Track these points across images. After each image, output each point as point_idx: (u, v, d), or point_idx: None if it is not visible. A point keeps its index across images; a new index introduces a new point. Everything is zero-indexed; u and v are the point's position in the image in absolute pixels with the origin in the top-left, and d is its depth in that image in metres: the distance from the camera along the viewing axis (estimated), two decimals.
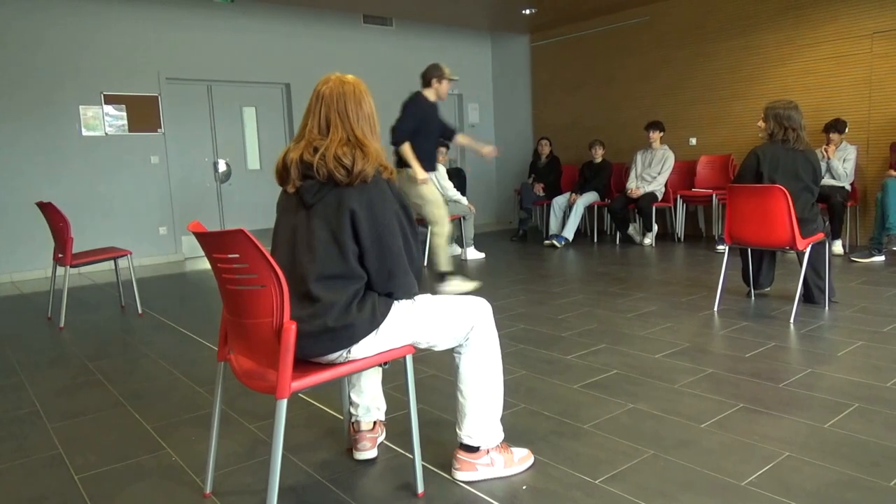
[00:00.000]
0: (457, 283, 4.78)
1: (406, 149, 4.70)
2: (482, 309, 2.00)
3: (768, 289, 4.38)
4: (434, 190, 4.83)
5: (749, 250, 4.23)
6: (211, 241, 1.75)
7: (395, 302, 1.88)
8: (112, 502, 2.01)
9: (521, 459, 2.11)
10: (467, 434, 2.03)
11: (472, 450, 2.04)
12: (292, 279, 1.80)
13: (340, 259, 1.79)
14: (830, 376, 2.83)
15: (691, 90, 7.49)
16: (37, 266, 6.40)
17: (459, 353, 2.01)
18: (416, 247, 1.91)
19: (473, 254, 6.63)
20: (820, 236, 3.85)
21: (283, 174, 1.86)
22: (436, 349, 1.98)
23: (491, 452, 2.05)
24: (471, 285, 4.87)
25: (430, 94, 4.86)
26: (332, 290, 1.78)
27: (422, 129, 4.77)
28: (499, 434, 2.07)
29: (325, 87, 1.87)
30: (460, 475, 2.04)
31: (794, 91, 6.62)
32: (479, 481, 2.04)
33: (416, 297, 1.95)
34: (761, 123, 3.96)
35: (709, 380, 2.85)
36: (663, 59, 7.73)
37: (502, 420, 2.09)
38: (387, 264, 1.83)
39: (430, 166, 4.89)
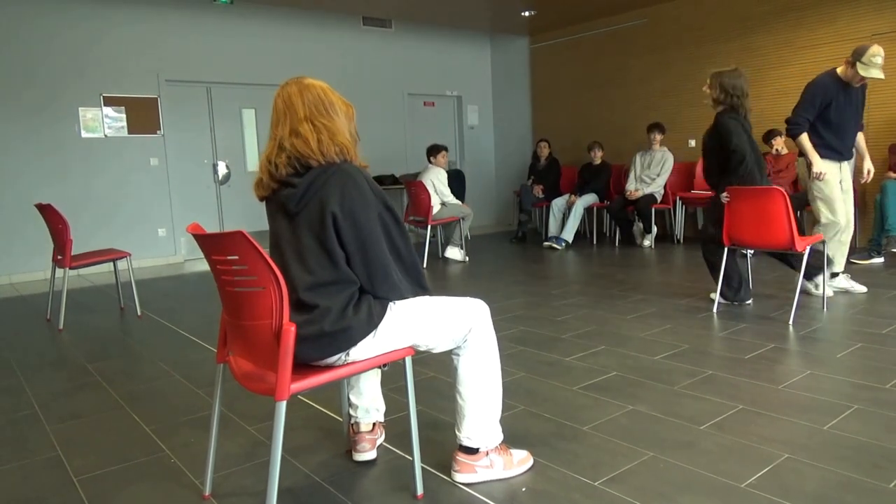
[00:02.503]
0: (842, 281, 4.30)
1: (802, 140, 4.10)
2: (480, 310, 2.00)
3: (748, 302, 4.21)
4: (832, 187, 4.17)
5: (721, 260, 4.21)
6: (210, 243, 1.75)
7: (391, 304, 1.88)
8: None
9: (520, 461, 2.11)
10: (466, 436, 2.03)
11: (472, 451, 2.04)
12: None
13: (331, 266, 1.79)
14: (830, 378, 2.83)
15: (690, 92, 7.49)
16: (36, 268, 6.40)
17: (458, 355, 2.01)
18: (406, 245, 1.91)
19: (454, 253, 6.65)
20: (818, 237, 3.85)
21: (258, 181, 1.88)
22: (434, 351, 1.98)
23: (490, 454, 2.05)
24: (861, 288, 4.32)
25: (841, 70, 4.16)
26: (325, 297, 1.78)
27: (827, 109, 4.10)
28: (498, 435, 2.07)
29: (276, 94, 1.89)
30: (460, 477, 2.04)
31: (792, 93, 6.60)
32: (478, 483, 2.04)
33: (411, 298, 1.94)
34: (707, 89, 3.95)
35: (708, 381, 2.85)
36: (662, 60, 7.73)
37: (502, 422, 2.09)
38: (372, 269, 1.82)
39: (839, 155, 4.22)
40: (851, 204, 4.40)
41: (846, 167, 4.34)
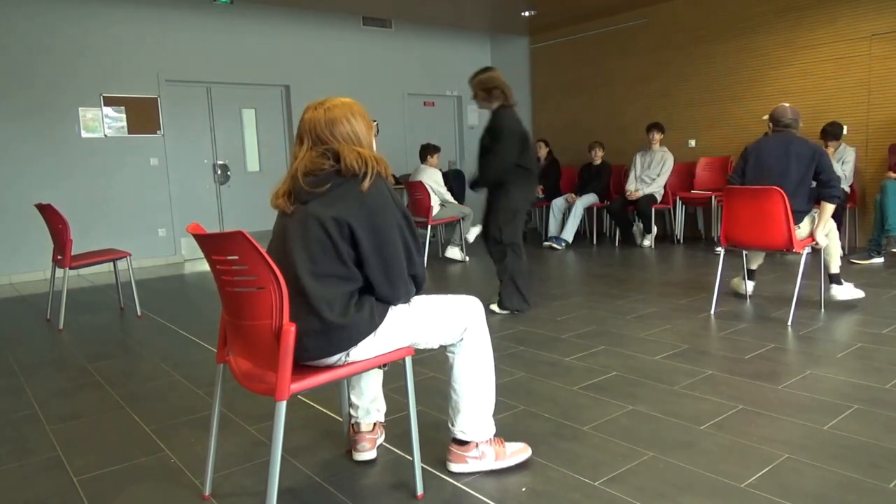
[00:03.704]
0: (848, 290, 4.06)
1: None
2: (475, 308, 2.03)
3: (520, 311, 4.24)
4: None
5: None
6: (210, 243, 1.75)
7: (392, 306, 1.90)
8: None
9: (513, 453, 2.14)
10: (461, 430, 2.07)
11: (465, 443, 2.08)
12: (284, 275, 1.80)
13: (336, 260, 1.79)
14: (830, 378, 2.83)
15: (690, 92, 7.50)
16: (36, 268, 6.40)
17: (453, 352, 2.04)
18: (418, 252, 1.92)
19: (454, 253, 6.66)
20: (811, 240, 3.84)
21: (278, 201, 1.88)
22: (432, 348, 2.01)
23: (481, 446, 2.09)
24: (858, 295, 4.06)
25: None
26: (326, 286, 1.78)
27: None
28: (491, 429, 2.11)
29: (306, 114, 1.89)
30: (453, 467, 2.10)
31: (792, 93, 6.63)
32: (470, 473, 2.07)
33: (411, 301, 1.96)
34: (474, 97, 4.20)
35: (708, 381, 2.86)
36: (662, 60, 7.74)
37: (502, 422, 2.10)
38: (387, 274, 1.83)
39: None
40: None
41: None
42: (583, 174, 7.70)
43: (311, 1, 7.34)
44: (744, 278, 4.36)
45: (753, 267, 4.35)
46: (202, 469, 2.20)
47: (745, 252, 4.28)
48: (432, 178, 6.58)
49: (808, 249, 3.77)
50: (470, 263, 6.43)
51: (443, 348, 2.05)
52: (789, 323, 3.71)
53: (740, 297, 4.36)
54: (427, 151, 6.71)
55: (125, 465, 2.28)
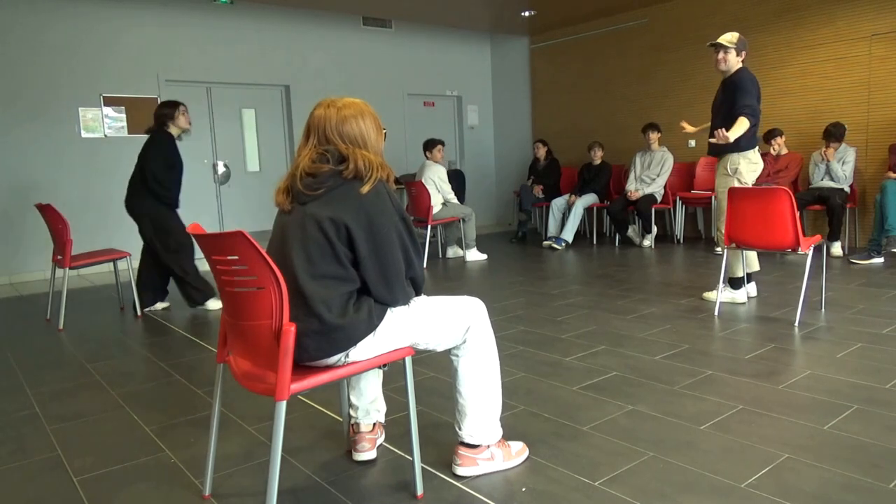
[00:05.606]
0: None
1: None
2: (477, 308, 2.02)
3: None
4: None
5: None
6: (210, 243, 1.75)
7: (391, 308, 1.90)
8: None
9: (517, 452, 2.15)
10: (469, 433, 2.05)
11: (474, 447, 2.07)
12: (283, 277, 1.80)
13: (334, 261, 1.79)
14: (830, 378, 2.83)
15: (690, 92, 7.49)
16: (36, 268, 6.39)
17: (458, 356, 2.02)
18: (417, 255, 1.92)
19: (475, 255, 6.63)
20: (817, 238, 3.85)
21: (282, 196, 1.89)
22: (435, 350, 1.99)
23: (491, 447, 2.08)
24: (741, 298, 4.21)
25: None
26: (324, 287, 1.78)
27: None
28: (498, 431, 2.10)
29: (317, 110, 1.89)
30: (462, 470, 2.07)
31: (792, 93, 6.63)
32: (479, 476, 2.06)
33: (411, 302, 1.96)
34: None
35: (708, 381, 2.85)
36: (662, 60, 7.74)
37: (502, 422, 2.10)
38: (384, 277, 1.84)
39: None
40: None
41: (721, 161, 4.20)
42: (583, 174, 7.70)
43: (311, 1, 7.34)
44: (743, 285, 4.23)
45: (740, 274, 4.19)
46: (202, 469, 2.20)
47: (740, 255, 4.20)
48: (437, 175, 6.57)
49: (812, 248, 3.76)
50: (470, 263, 6.43)
51: (446, 350, 2.04)
52: (790, 323, 3.71)
53: (738, 303, 4.27)
54: (430, 145, 6.69)
55: (125, 465, 2.28)
